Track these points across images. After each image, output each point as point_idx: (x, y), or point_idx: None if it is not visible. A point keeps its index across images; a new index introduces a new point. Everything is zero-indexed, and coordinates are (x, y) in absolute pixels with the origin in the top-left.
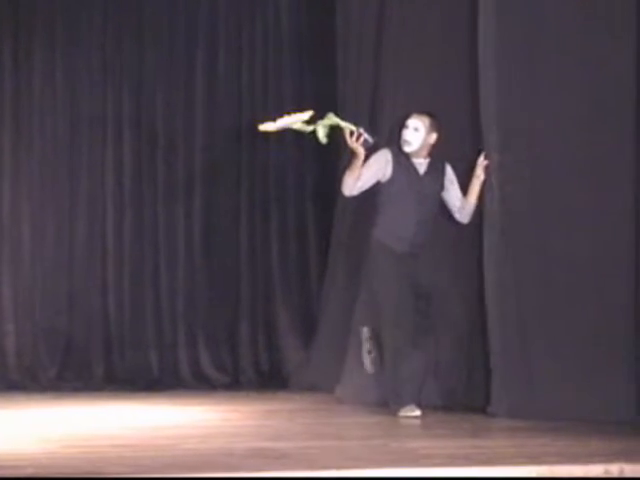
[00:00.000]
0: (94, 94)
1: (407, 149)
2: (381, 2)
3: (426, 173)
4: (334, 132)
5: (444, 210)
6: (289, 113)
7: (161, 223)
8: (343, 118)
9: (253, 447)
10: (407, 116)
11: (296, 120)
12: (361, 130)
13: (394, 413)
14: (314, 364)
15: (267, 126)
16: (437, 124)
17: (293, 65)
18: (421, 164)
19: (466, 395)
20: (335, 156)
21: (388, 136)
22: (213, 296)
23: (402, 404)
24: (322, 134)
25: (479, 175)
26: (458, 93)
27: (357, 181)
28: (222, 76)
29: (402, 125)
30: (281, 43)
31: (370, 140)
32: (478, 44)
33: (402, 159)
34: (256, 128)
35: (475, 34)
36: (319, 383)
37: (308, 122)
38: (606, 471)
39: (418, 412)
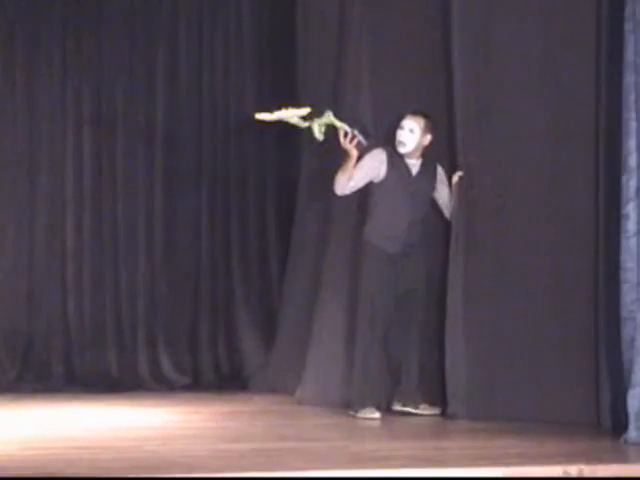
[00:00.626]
0: (54, 92)
1: (402, 150)
2: (342, 3)
3: (419, 174)
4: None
5: (434, 210)
6: (287, 107)
7: (121, 224)
8: (341, 119)
9: (214, 449)
10: (402, 117)
11: (293, 114)
12: (355, 132)
13: (354, 413)
14: (274, 366)
15: (264, 116)
16: (431, 125)
17: (254, 65)
18: (414, 165)
19: (426, 397)
20: (297, 157)
21: (385, 136)
22: (173, 298)
23: (363, 405)
24: (317, 131)
25: (455, 178)
26: (423, 91)
27: (349, 181)
28: (183, 75)
29: (397, 126)
30: (242, 43)
31: (364, 142)
32: (450, 42)
33: (396, 159)
34: (216, 128)
35: (438, 30)
36: (279, 385)
37: (304, 118)
38: (565, 472)
39: (377, 414)
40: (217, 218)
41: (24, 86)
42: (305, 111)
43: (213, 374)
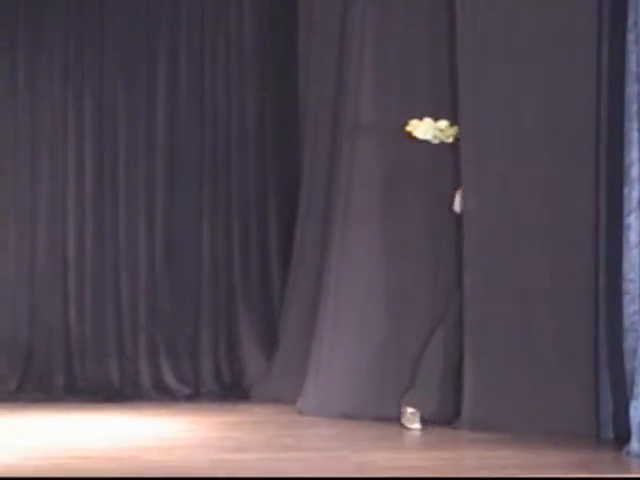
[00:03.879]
0: (55, 100)
1: None
2: (343, 14)
3: None
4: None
5: None
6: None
7: (122, 233)
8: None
9: (215, 458)
10: None
11: (437, 128)
12: None
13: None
14: (276, 376)
15: (414, 128)
16: None
17: (255, 74)
18: None
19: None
20: (298, 166)
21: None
22: (174, 307)
23: None
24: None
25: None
26: (424, 103)
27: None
28: (184, 84)
29: None
30: (243, 52)
31: None
32: (456, 59)
33: None
34: (217, 137)
35: (436, 47)
36: (281, 395)
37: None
38: None
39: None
40: (218, 227)
41: (25, 94)
42: (444, 124)
43: (214, 384)
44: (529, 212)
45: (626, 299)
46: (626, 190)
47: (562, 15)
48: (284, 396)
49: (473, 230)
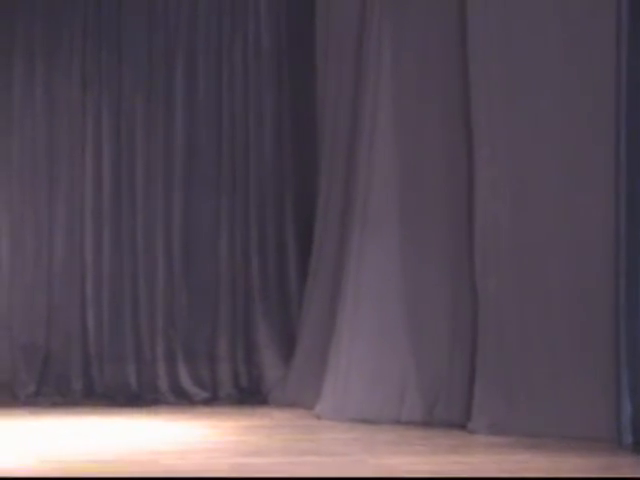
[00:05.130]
0: (73, 108)
1: None
2: (361, 13)
3: None
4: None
5: None
6: None
7: (140, 237)
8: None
9: (233, 463)
10: None
11: None
12: None
13: None
14: (293, 380)
15: None
16: None
17: (272, 79)
18: None
19: (446, 411)
20: (315, 172)
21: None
22: (192, 311)
23: None
24: None
25: None
26: (444, 110)
27: None
28: (201, 90)
29: None
30: (260, 56)
31: None
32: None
33: None
34: (235, 143)
35: (451, 64)
36: (298, 399)
37: None
38: None
39: None
40: (236, 232)
41: (43, 101)
42: None
43: (232, 388)
44: (548, 214)
45: None
46: None
47: (581, 20)
48: (302, 400)
49: (490, 232)
